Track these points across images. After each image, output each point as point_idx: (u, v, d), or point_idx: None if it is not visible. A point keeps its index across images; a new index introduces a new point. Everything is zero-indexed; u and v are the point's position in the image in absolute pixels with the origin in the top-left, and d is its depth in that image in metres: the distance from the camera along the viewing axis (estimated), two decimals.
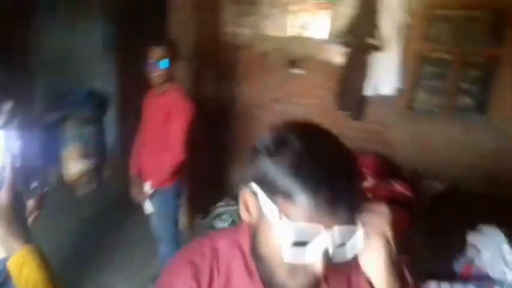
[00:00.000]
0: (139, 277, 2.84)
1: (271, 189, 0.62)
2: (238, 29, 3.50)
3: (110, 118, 4.42)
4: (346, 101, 3.13)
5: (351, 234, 0.62)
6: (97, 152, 4.36)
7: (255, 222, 0.69)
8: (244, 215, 0.71)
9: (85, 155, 4.22)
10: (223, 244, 0.79)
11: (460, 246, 1.74)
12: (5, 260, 1.72)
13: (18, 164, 1.54)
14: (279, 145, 0.63)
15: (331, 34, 3.15)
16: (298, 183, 0.59)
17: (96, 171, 4.39)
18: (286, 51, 3.37)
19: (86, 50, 4.03)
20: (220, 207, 3.47)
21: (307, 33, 3.26)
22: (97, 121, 4.35)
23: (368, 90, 3.01)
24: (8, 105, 1.59)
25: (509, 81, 2.75)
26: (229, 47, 3.53)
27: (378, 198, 2.54)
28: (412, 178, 2.84)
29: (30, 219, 1.57)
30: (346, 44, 3.04)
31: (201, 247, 0.80)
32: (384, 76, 2.95)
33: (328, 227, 0.59)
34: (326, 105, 3.26)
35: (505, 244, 1.54)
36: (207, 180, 3.39)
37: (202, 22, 3.32)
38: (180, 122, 2.19)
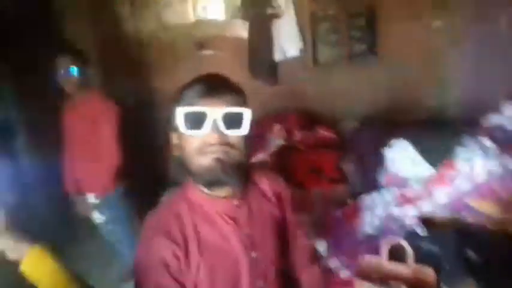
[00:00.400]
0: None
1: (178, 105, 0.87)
2: (140, 22, 3.52)
3: (20, 144, 4.10)
4: (258, 70, 3.38)
5: (239, 114, 0.85)
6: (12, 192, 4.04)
7: (179, 148, 0.90)
8: (175, 151, 0.92)
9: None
10: (179, 205, 0.93)
11: (380, 162, 2.11)
12: None
13: None
14: (182, 86, 0.91)
15: (231, 12, 3.35)
16: (188, 87, 0.88)
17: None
18: (193, 36, 3.49)
19: None
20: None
21: (209, 16, 3.42)
22: (8, 150, 4.02)
23: (277, 56, 3.29)
24: None
25: (387, 26, 3.21)
26: (136, 41, 3.54)
27: (309, 147, 2.89)
28: (331, 122, 3.23)
29: None
30: (248, 18, 3.27)
31: (164, 218, 0.92)
32: (288, 40, 3.25)
33: (215, 107, 0.83)
34: (241, 78, 3.47)
35: (411, 148, 1.93)
36: (147, 175, 3.43)
37: (103, 22, 3.29)
38: (108, 128, 2.18)
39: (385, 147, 2.09)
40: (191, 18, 3.46)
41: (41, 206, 3.06)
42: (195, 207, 0.93)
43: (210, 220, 0.92)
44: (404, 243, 1.48)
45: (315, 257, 1.22)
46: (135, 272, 0.88)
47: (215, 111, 0.83)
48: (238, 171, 0.88)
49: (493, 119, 1.98)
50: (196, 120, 0.83)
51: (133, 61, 3.58)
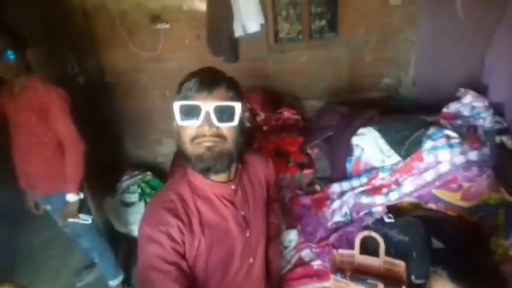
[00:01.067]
0: (60, 278, 2.77)
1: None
2: None
3: None
4: (218, 46, 3.22)
5: (230, 108, 0.93)
6: None
7: (177, 136, 0.99)
8: (176, 139, 1.00)
9: None
10: (182, 188, 1.03)
11: (347, 148, 2.14)
12: None
13: None
14: (182, 80, 1.00)
15: None
16: (185, 80, 0.97)
17: None
18: (146, 7, 3.22)
19: None
20: (125, 181, 3.40)
21: None
22: None
23: (237, 32, 3.15)
24: None
25: (347, 2, 3.16)
26: (81, 14, 3.20)
27: (273, 129, 2.86)
28: (294, 103, 3.21)
29: None
30: None
31: (168, 196, 1.01)
32: (248, 15, 3.10)
33: (208, 102, 0.92)
34: (200, 54, 3.31)
35: (380, 138, 1.97)
36: (103, 159, 3.25)
37: None
38: (60, 116, 2.00)
39: (352, 134, 2.12)
40: None
41: None
42: (196, 190, 1.03)
43: (210, 202, 1.03)
44: (376, 236, 1.53)
45: (278, 233, 1.39)
46: (138, 245, 0.97)
47: (208, 105, 0.92)
48: (228, 160, 0.98)
49: (452, 106, 2.05)
50: (190, 113, 0.93)
51: (79, 37, 3.25)
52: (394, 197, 1.79)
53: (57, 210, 2.21)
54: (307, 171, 2.42)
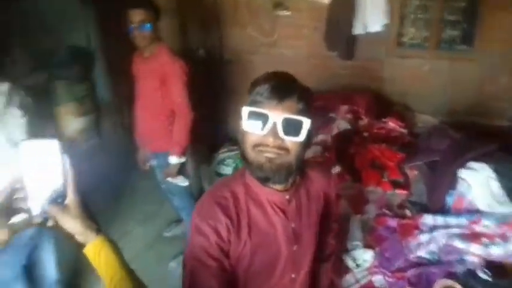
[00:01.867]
0: (151, 223, 3.07)
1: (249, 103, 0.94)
2: None
3: (98, 72, 4.35)
4: (334, 41, 3.13)
5: (298, 122, 0.90)
6: (92, 108, 4.35)
7: (241, 138, 0.97)
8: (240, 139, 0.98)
9: (81, 113, 4.23)
10: (238, 187, 1.03)
11: (452, 180, 1.93)
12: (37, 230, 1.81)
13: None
14: (254, 81, 0.97)
15: None
16: (258, 84, 0.94)
17: (94, 126, 4.45)
18: None
19: (62, 6, 3.82)
20: (223, 153, 3.59)
21: None
22: (86, 78, 4.28)
23: (357, 29, 3.00)
24: (4, 86, 1.59)
25: (495, 13, 2.76)
26: None
27: (374, 137, 2.71)
28: (403, 113, 2.98)
29: None
30: None
31: (222, 192, 1.01)
32: (372, 13, 2.92)
33: (277, 112, 0.90)
34: (315, 46, 3.26)
35: (493, 180, 1.73)
36: (207, 128, 3.47)
37: None
38: (178, 86, 2.19)
39: (463, 165, 1.90)
40: None
41: None
42: (250, 192, 1.02)
43: (262, 207, 1.02)
44: None
45: (333, 254, 1.31)
46: (189, 232, 0.98)
47: (276, 116, 0.89)
48: (287, 172, 0.96)
49: None
50: (257, 121, 0.91)
51: (207, 12, 3.46)
52: (496, 252, 1.56)
53: (160, 167, 2.45)
54: (400, 191, 2.26)
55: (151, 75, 2.23)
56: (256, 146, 0.93)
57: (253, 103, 0.92)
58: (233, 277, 0.99)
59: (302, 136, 0.91)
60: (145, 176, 2.99)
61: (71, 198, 0.77)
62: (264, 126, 0.90)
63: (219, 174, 3.41)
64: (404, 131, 2.70)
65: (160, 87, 2.23)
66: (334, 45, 3.14)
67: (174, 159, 2.30)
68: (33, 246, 1.85)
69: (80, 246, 0.78)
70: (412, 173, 2.29)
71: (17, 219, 0.73)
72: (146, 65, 2.26)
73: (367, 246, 1.99)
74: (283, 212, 1.03)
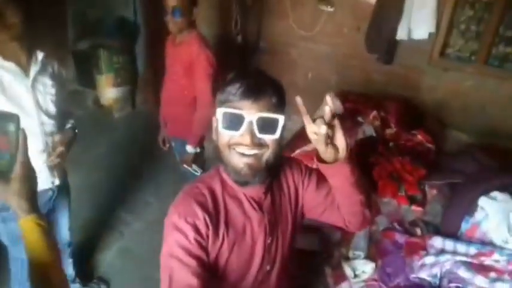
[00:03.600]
0: (170, 199, 3.16)
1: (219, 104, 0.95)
2: None
3: (140, 46, 4.47)
4: (376, 43, 3.00)
5: (273, 120, 0.91)
6: (129, 79, 4.50)
7: (216, 135, 0.98)
8: (213, 134, 0.99)
9: (118, 83, 4.39)
10: (215, 184, 1.03)
11: (471, 207, 1.82)
12: (52, 189, 1.92)
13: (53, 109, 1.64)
14: (226, 80, 0.97)
15: None
16: (231, 83, 0.93)
17: (129, 98, 4.60)
18: None
19: None
20: None
21: None
22: (128, 50, 4.41)
23: (400, 34, 2.87)
24: (40, 55, 1.66)
25: None
26: None
27: (399, 148, 2.61)
28: (435, 128, 2.84)
29: (54, 154, 1.68)
30: None
31: (199, 189, 1.01)
32: (420, 19, 2.78)
33: (251, 111, 0.89)
34: (355, 46, 3.16)
35: None
36: None
37: None
38: (202, 77, 2.16)
39: (482, 193, 1.79)
40: None
41: None
42: (227, 188, 1.03)
43: (239, 201, 1.03)
44: None
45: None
46: (164, 231, 0.97)
47: (252, 115, 0.90)
48: (266, 173, 0.97)
49: None
50: (233, 121, 0.91)
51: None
52: None
53: (178, 151, 2.50)
54: (416, 208, 2.17)
55: (179, 62, 2.24)
56: (230, 145, 0.94)
57: (226, 103, 0.92)
58: (212, 274, 0.99)
59: (278, 133, 0.92)
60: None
61: (17, 173, 0.79)
62: (240, 126, 0.90)
63: None
64: (431, 146, 2.57)
65: (185, 75, 2.23)
66: (375, 47, 3.03)
67: (189, 148, 2.33)
68: (51, 207, 1.94)
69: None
70: (431, 192, 2.18)
71: None
72: (175, 51, 2.26)
73: (369, 258, 1.94)
74: (259, 205, 1.04)
